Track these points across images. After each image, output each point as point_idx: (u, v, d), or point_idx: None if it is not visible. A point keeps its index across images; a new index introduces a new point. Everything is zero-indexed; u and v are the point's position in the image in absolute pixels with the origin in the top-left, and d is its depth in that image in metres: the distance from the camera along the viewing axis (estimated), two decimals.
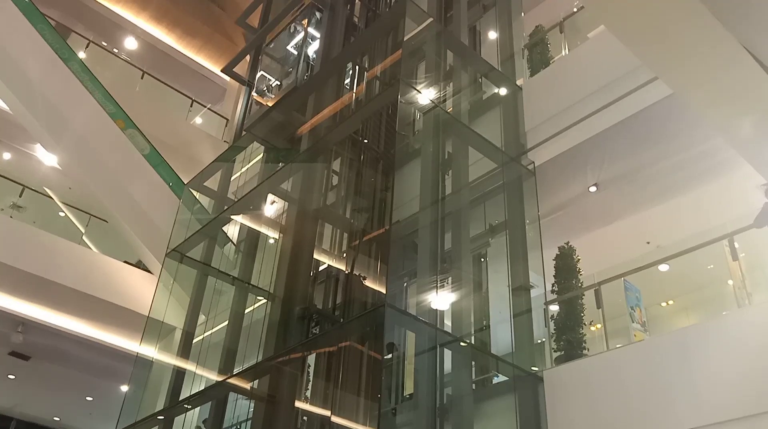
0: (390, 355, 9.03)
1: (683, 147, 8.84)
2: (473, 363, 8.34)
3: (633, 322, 7.68)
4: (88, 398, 16.39)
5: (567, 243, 8.62)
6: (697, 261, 7.96)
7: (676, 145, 8.86)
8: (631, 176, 9.41)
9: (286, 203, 11.12)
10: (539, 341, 8.56)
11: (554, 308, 8.33)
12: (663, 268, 7.83)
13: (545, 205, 9.20)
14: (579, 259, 8.40)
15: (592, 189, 9.61)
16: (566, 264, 8.38)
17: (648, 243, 9.87)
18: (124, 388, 13.73)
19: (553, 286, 8.42)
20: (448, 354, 8.05)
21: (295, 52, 11.76)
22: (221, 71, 16.88)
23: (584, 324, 7.87)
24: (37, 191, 15.09)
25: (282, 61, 12.19)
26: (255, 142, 12.81)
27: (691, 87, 5.62)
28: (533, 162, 9.29)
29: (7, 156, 15.61)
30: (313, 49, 11.62)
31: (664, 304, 9.07)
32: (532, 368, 7.90)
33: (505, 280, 8.70)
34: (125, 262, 14.41)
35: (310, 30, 11.67)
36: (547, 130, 9.22)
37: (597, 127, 8.71)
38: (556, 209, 9.78)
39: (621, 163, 9.19)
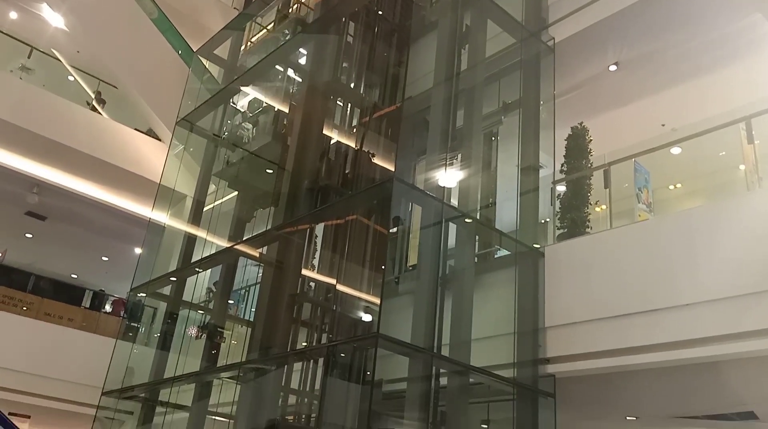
0: (395, 229, 9.22)
1: (707, 29, 8.48)
2: (477, 238, 8.51)
3: (639, 202, 7.73)
4: (104, 258, 16.98)
5: (580, 123, 8.51)
6: (710, 146, 7.87)
7: (700, 27, 8.50)
8: (653, 56, 9.09)
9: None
10: (543, 221, 8.69)
11: (561, 188, 8.37)
12: (675, 151, 7.75)
13: (562, 83, 8.98)
14: (591, 140, 8.33)
15: (612, 68, 9.32)
16: (578, 144, 8.32)
17: (663, 125, 9.70)
18: (138, 250, 14.21)
19: (562, 166, 8.41)
20: (452, 229, 8.23)
21: None
22: None
23: (590, 204, 7.94)
24: (45, 53, 14.81)
25: None
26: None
27: None
28: (553, 38, 8.96)
29: (13, 15, 15.15)
30: None
31: (672, 187, 9.07)
32: (534, 245, 8.08)
33: (514, 159, 8.69)
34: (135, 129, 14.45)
35: None
36: (570, 3, 8.80)
37: (622, 2, 8.31)
38: (573, 89, 9.54)
39: (644, 43, 8.85)
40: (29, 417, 12.67)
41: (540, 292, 7.66)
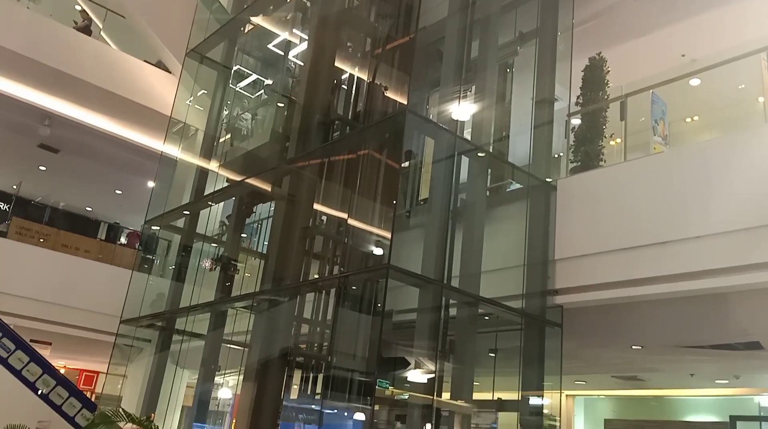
0: (407, 163, 9.20)
1: None
2: (489, 171, 8.48)
3: (655, 135, 7.62)
4: (118, 191, 17.09)
5: (598, 53, 8.31)
6: (730, 78, 7.69)
7: None
8: None
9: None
10: (557, 155, 8.63)
11: (576, 121, 8.26)
12: (694, 82, 7.57)
13: (581, 12, 8.70)
14: (609, 71, 8.15)
15: None
16: (595, 76, 8.16)
17: (683, 56, 9.43)
18: (151, 183, 14.29)
19: (578, 99, 8.27)
20: (465, 162, 8.20)
21: None
22: None
23: (604, 137, 7.85)
24: None
25: None
26: None
27: None
28: None
29: None
30: None
31: (689, 119, 8.91)
32: (547, 178, 8.05)
33: (529, 92, 8.55)
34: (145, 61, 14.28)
35: None
36: None
37: None
38: (592, 17, 9.24)
39: None
40: (50, 343, 13.08)
41: (551, 225, 7.69)
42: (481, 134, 8.42)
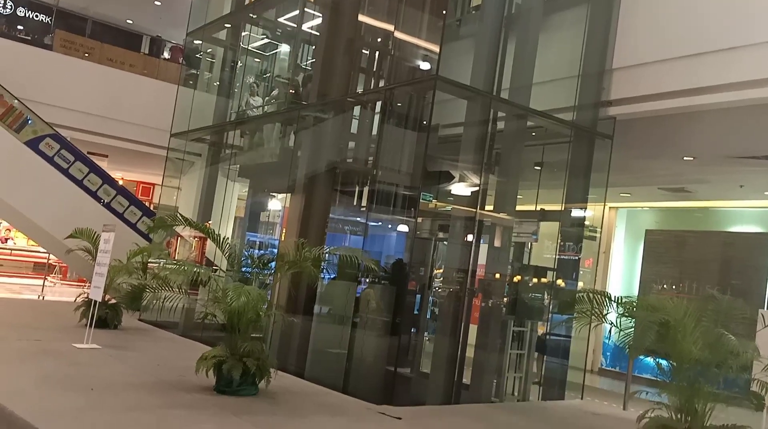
0: None
1: None
2: None
3: None
4: (156, 2, 16.47)
5: None
6: None
7: None
8: None
9: None
10: None
11: None
12: None
13: None
14: None
15: None
16: None
17: None
18: None
19: None
20: None
21: None
22: None
23: None
24: None
25: None
26: None
27: None
28: None
29: None
30: None
31: None
32: None
33: None
34: None
35: None
36: None
37: None
38: None
39: None
40: (107, 156, 13.55)
41: (611, 32, 7.23)
42: None
